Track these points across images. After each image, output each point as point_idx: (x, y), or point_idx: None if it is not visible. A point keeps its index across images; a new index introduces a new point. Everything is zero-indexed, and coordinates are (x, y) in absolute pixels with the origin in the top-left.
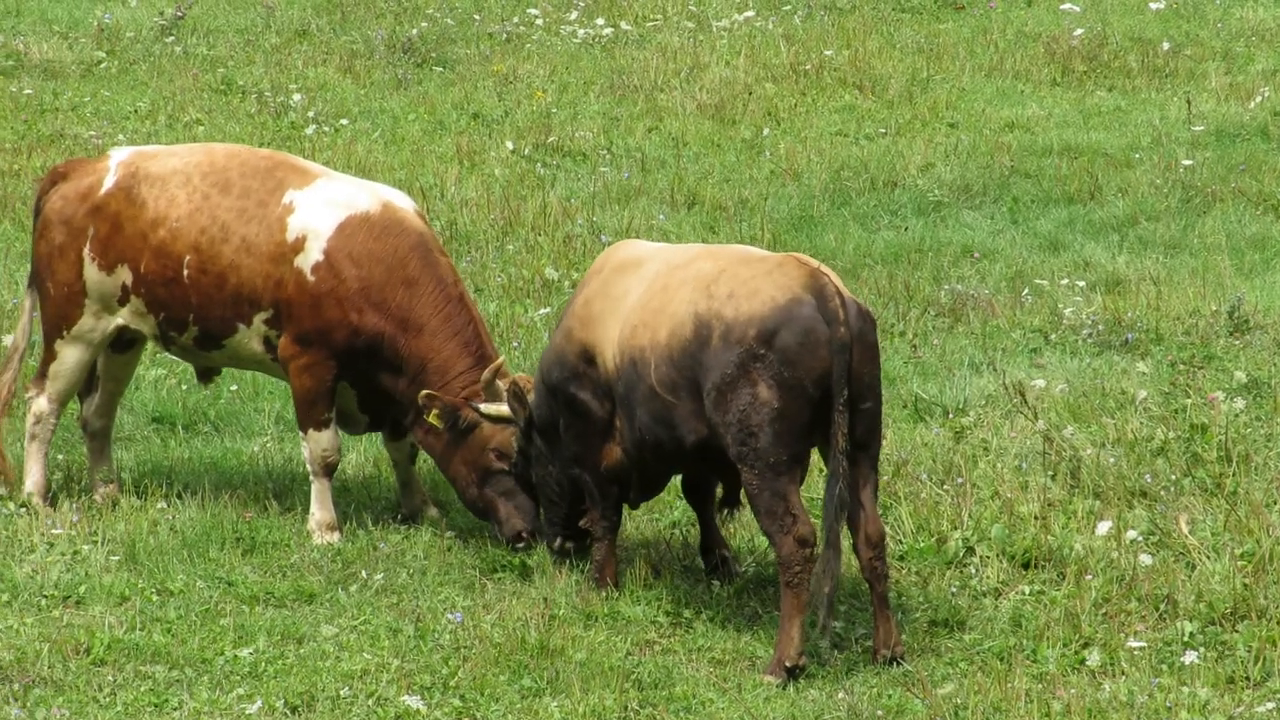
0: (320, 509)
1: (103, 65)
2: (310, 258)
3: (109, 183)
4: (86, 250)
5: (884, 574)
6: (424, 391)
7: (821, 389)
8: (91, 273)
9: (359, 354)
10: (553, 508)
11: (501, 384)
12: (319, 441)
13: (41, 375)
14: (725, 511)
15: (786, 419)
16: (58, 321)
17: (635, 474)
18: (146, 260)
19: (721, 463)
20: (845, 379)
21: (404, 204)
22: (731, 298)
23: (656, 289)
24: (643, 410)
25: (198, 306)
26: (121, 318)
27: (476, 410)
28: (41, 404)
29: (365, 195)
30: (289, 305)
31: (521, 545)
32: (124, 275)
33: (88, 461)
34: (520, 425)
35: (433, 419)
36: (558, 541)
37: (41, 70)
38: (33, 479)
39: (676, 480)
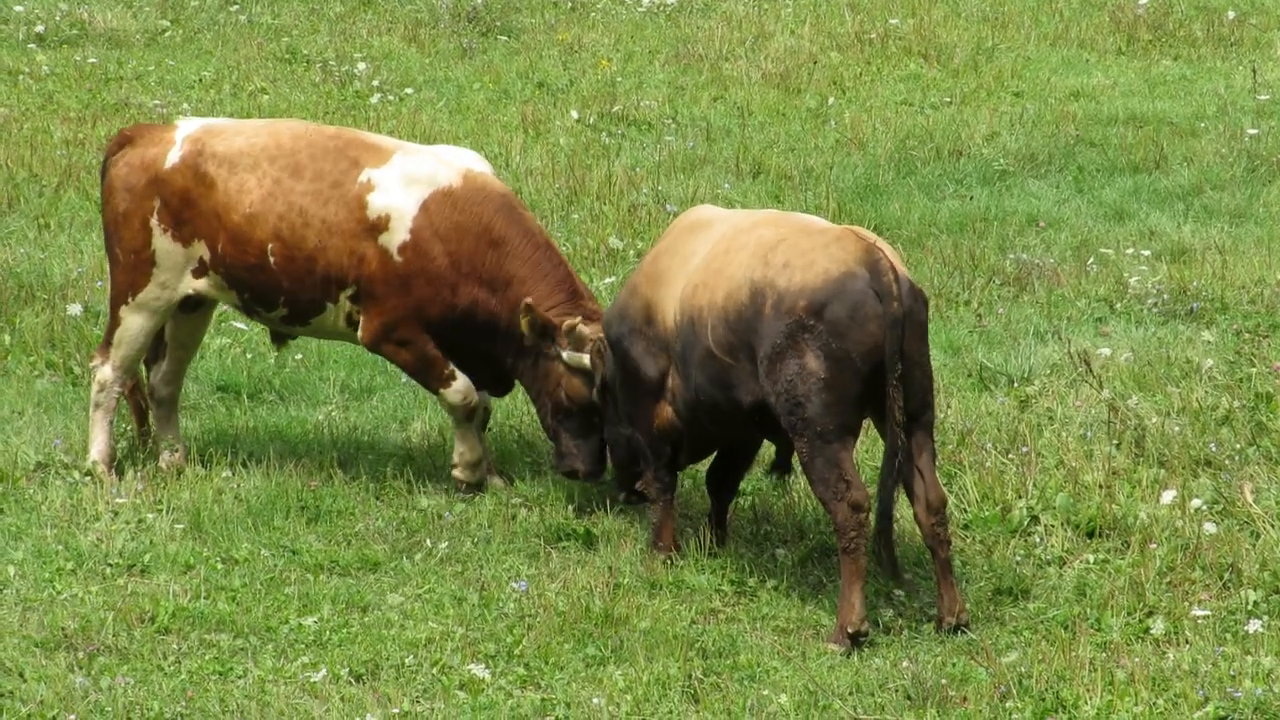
0: (467, 448)
1: (167, 34)
2: (396, 238)
3: (174, 156)
4: (154, 220)
5: (946, 540)
6: (527, 299)
7: (870, 363)
8: (163, 242)
9: (452, 325)
10: (622, 469)
11: (587, 332)
12: (450, 397)
13: (106, 343)
14: (775, 476)
15: (834, 389)
16: (124, 288)
17: (686, 435)
18: (223, 242)
19: (775, 426)
20: (899, 354)
21: (482, 167)
22: (786, 267)
23: (720, 250)
24: (700, 371)
25: (289, 290)
26: (194, 288)
27: (558, 352)
28: (106, 372)
29: (445, 169)
30: (371, 283)
31: (570, 475)
32: (200, 250)
33: (154, 428)
34: (596, 383)
35: (523, 325)
36: (623, 496)
37: (106, 39)
38: (97, 447)
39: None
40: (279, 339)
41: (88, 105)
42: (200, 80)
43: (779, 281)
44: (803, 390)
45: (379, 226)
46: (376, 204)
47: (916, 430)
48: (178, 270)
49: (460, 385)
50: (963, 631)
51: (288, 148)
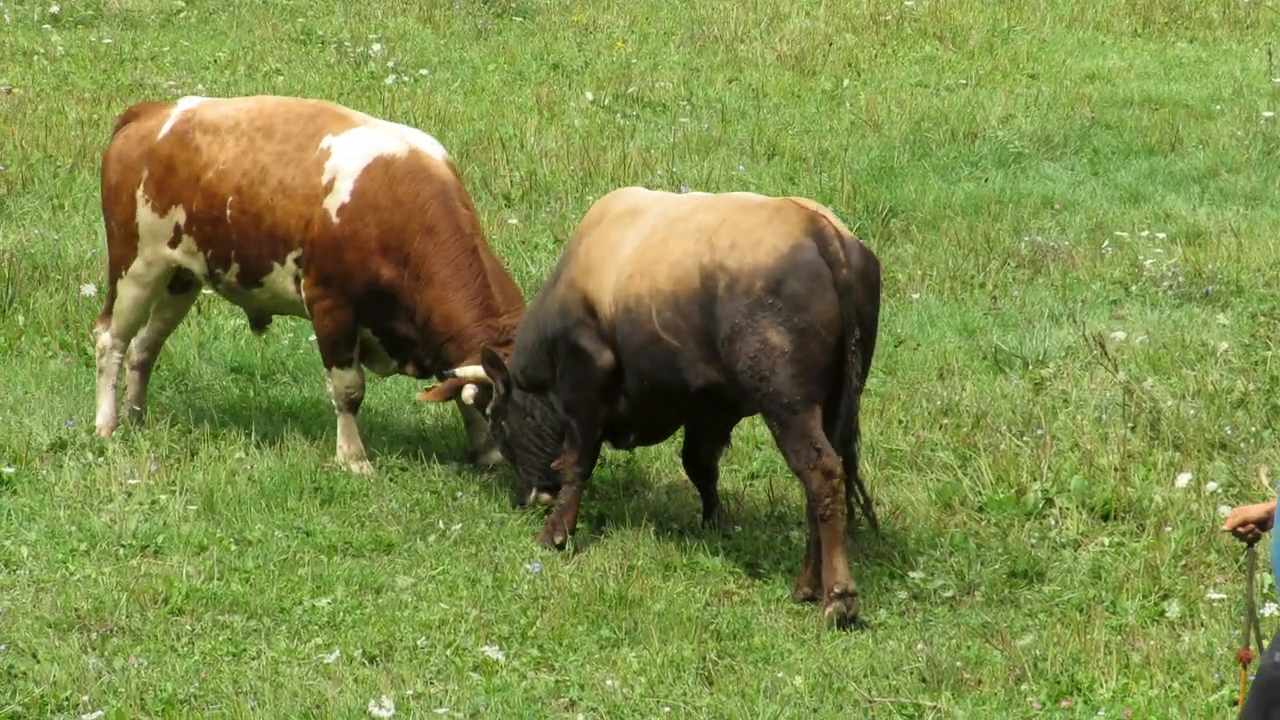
0: (348, 442)
1: (182, 14)
2: (337, 199)
3: (166, 128)
4: (140, 191)
5: (839, 511)
6: (490, 348)
7: (834, 334)
8: (145, 213)
9: (376, 299)
10: (529, 458)
11: (472, 373)
12: (341, 379)
13: (107, 312)
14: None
15: (799, 362)
16: (117, 261)
17: (637, 420)
18: (197, 201)
19: (722, 407)
20: (854, 319)
21: (432, 151)
22: (734, 248)
23: (655, 240)
24: (644, 357)
25: (238, 244)
26: (172, 258)
27: (453, 375)
28: (105, 339)
29: (393, 140)
30: (313, 246)
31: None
32: (177, 215)
33: (127, 392)
34: (499, 388)
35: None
36: (533, 494)
37: (121, 19)
38: (101, 413)
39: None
40: (257, 324)
41: (102, 86)
42: (215, 61)
43: (729, 263)
44: (767, 365)
45: (327, 189)
46: (328, 168)
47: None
48: (158, 241)
49: (351, 374)
50: (849, 599)
51: (268, 113)
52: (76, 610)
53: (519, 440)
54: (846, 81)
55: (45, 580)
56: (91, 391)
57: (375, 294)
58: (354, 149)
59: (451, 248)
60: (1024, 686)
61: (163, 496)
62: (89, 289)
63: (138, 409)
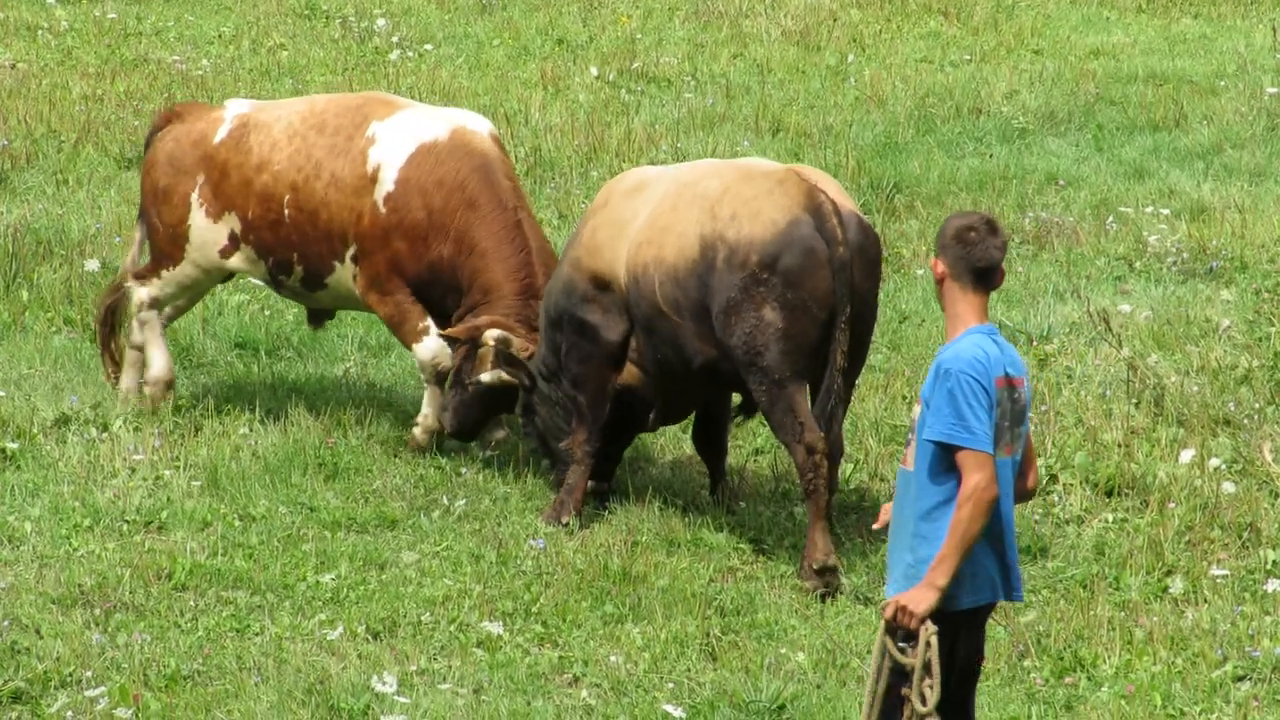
0: (431, 411)
1: None
2: (383, 189)
3: (223, 133)
4: (195, 195)
5: (832, 488)
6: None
7: (827, 308)
8: (198, 219)
9: (429, 281)
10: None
11: (517, 343)
12: (421, 353)
13: (151, 271)
14: (740, 418)
15: (791, 338)
16: (160, 257)
17: (658, 399)
18: (252, 206)
19: (726, 384)
20: (848, 296)
21: (477, 127)
22: (734, 219)
23: (665, 208)
24: (651, 329)
25: (299, 246)
26: (226, 266)
27: (478, 383)
28: (143, 294)
29: (438, 123)
30: (363, 239)
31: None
32: (232, 223)
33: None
34: (524, 382)
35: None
36: (590, 485)
37: None
38: (155, 365)
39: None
40: (315, 319)
41: (106, 61)
42: (219, 36)
43: (728, 234)
44: (761, 341)
45: (374, 179)
46: (373, 157)
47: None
48: (208, 248)
49: (432, 343)
50: (830, 575)
51: (319, 109)
52: (80, 586)
53: (552, 431)
54: (851, 57)
55: (49, 556)
56: (95, 365)
57: (428, 276)
58: (397, 137)
59: (494, 220)
60: (1027, 662)
61: (166, 472)
62: (93, 264)
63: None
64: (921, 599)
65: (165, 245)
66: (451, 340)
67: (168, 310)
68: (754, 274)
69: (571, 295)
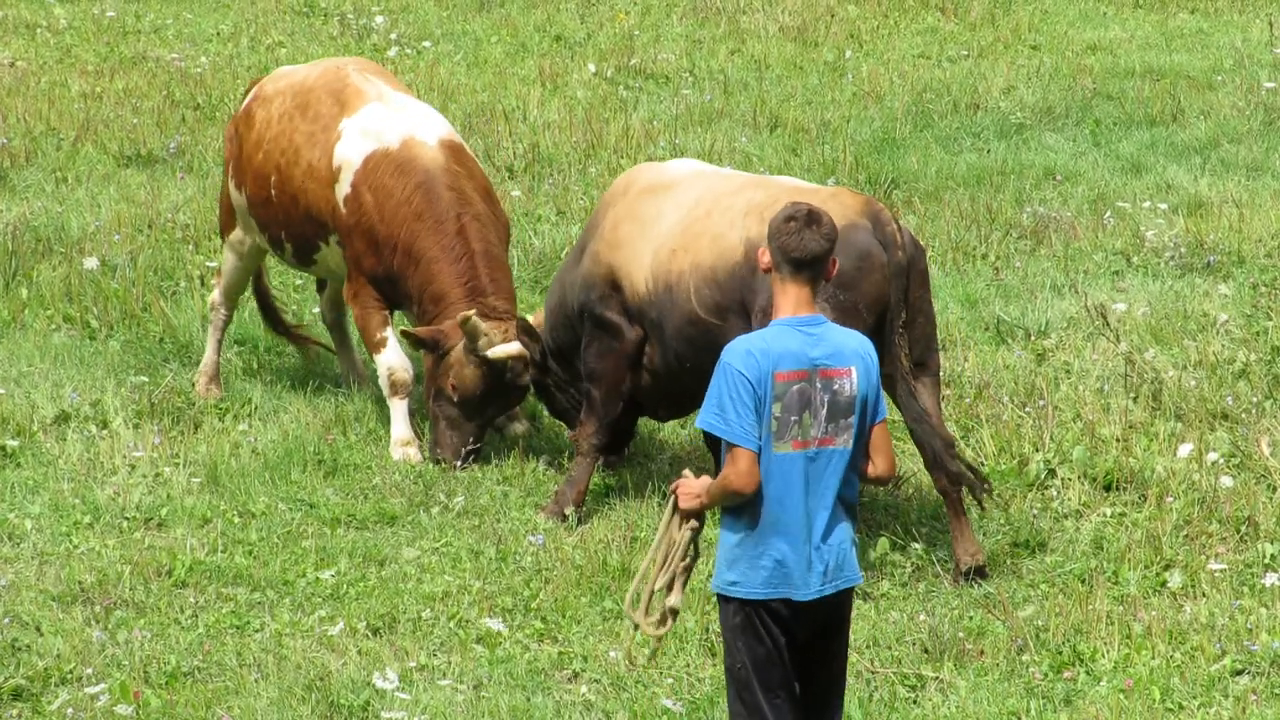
0: (395, 427)
1: None
2: (343, 189)
3: (243, 106)
4: (230, 168)
5: (958, 479)
6: (468, 313)
7: (875, 312)
8: (232, 190)
9: (384, 283)
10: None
11: (483, 326)
12: (381, 363)
13: (220, 271)
14: None
15: None
16: (222, 227)
17: (669, 396)
18: (249, 181)
19: None
20: (903, 302)
21: (425, 136)
22: None
23: (700, 214)
24: (679, 334)
25: (285, 225)
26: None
27: (484, 356)
28: (215, 296)
29: (392, 130)
30: (338, 228)
31: (435, 463)
32: (240, 199)
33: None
34: (535, 359)
35: (463, 332)
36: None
37: None
38: (204, 360)
39: None
40: (321, 285)
41: (105, 58)
42: (218, 33)
43: None
44: None
45: (335, 177)
46: (337, 155)
47: (923, 375)
48: (245, 217)
49: (391, 355)
50: (979, 575)
51: (309, 84)
52: (80, 583)
53: (569, 414)
54: (849, 53)
55: (49, 553)
56: (95, 362)
57: (383, 279)
58: (357, 138)
59: (436, 232)
60: (1026, 657)
61: (166, 469)
62: (91, 262)
63: (355, 370)
64: (693, 494)
65: (225, 215)
66: (417, 341)
67: (326, 304)
68: None
69: (591, 291)
